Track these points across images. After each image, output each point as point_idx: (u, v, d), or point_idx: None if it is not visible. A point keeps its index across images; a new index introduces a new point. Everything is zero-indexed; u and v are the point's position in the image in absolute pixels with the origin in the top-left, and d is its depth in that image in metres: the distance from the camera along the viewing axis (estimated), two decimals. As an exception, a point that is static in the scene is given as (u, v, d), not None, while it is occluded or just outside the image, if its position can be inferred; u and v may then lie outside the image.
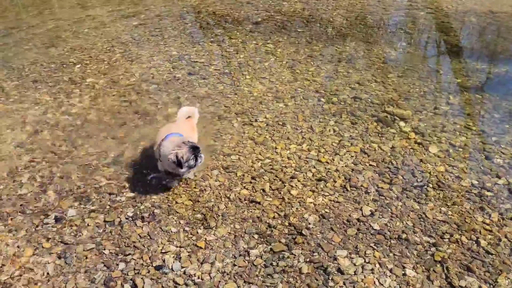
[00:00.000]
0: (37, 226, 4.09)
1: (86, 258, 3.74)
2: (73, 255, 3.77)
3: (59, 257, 3.76)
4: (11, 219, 4.17)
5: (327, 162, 4.87)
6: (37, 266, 3.69)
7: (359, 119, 5.66)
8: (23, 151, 5.17)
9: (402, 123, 5.54)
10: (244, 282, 3.49)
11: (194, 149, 4.26)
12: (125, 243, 3.88)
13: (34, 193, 4.50)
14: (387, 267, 3.58)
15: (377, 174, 4.66)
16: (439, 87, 6.57)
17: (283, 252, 3.74)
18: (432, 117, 5.69)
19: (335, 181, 4.57)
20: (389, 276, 3.50)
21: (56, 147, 5.23)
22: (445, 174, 4.65)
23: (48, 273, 3.61)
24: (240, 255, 3.73)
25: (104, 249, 3.82)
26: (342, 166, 4.79)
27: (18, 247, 3.87)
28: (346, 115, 5.76)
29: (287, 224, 4.05)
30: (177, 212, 4.20)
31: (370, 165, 4.81)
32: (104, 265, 3.66)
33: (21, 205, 4.35)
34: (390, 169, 4.74)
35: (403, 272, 3.53)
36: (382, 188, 4.46)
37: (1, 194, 4.49)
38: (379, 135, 5.33)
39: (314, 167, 4.78)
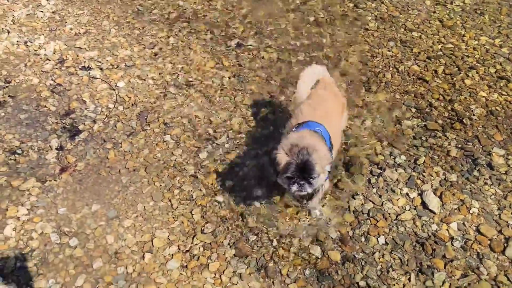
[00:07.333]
0: (221, 46, 4.63)
1: (255, 81, 4.20)
2: (245, 76, 4.26)
3: (233, 75, 4.28)
4: (202, 35, 4.77)
5: (518, 64, 4.36)
6: (216, 77, 4.27)
7: None
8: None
9: None
10: (388, 144, 3.60)
11: (302, 172, 2.63)
12: (291, 78, 4.20)
13: (224, 20, 4.99)
14: (545, 178, 3.32)
15: None
16: None
17: (436, 131, 3.69)
18: None
19: (519, 83, 4.14)
20: (545, 187, 3.27)
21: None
22: None
23: (223, 84, 4.19)
24: (392, 121, 3.80)
25: (271, 80, 4.22)
26: (535, 72, 4.26)
27: (203, 58, 4.49)
28: (562, 20, 4.90)
29: (449, 108, 3.89)
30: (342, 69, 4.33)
31: None
32: (268, 94, 4.09)
33: (211, 25, 4.90)
34: None
35: (562, 189, 3.26)
36: None
37: (197, 14, 5.08)
38: None
39: (500, 64, 4.33)
